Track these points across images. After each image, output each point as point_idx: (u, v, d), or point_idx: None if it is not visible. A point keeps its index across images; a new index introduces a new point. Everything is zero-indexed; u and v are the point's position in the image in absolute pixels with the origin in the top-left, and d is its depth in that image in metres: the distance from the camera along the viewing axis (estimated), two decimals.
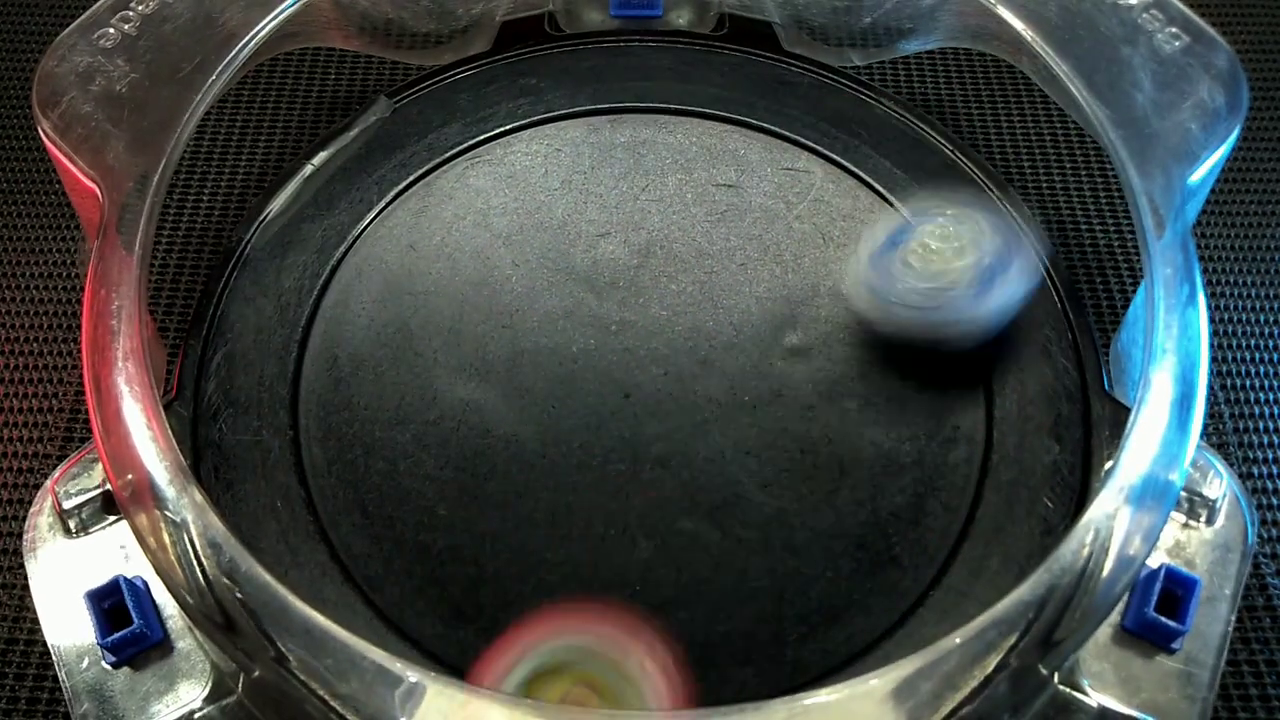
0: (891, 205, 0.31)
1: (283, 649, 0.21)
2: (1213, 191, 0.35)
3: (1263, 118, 0.37)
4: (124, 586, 0.24)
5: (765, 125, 0.33)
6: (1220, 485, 0.25)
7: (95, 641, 0.23)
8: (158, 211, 0.27)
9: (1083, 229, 0.34)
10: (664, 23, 0.35)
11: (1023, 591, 0.22)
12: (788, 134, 0.32)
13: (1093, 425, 0.27)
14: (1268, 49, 0.39)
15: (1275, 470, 0.30)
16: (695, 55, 0.34)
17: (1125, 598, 0.24)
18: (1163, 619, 0.23)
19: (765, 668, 0.25)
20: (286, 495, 0.27)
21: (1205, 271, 0.34)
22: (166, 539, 0.22)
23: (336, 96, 0.37)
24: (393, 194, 0.31)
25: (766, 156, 0.32)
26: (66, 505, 0.25)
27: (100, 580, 0.24)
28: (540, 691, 0.23)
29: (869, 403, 0.28)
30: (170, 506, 0.22)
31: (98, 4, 0.30)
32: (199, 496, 0.23)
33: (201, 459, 0.27)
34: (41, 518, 0.25)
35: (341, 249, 0.30)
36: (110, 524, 0.25)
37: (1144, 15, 0.30)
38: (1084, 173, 0.36)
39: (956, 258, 0.27)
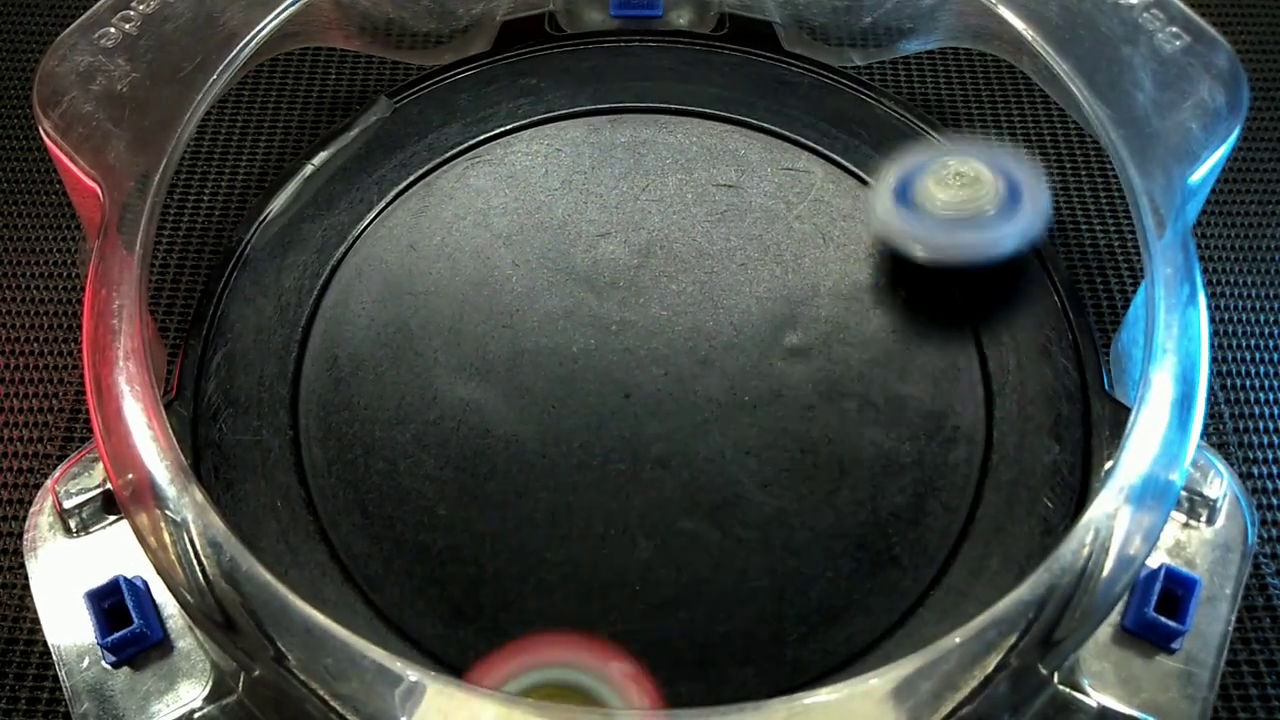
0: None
1: (283, 649, 0.21)
2: (1213, 191, 0.35)
3: (1263, 118, 0.37)
4: (124, 586, 0.24)
5: (765, 125, 0.33)
6: (1220, 485, 0.25)
7: (95, 641, 0.23)
8: (158, 211, 0.27)
9: (1083, 229, 0.34)
10: (664, 23, 0.35)
11: (1023, 591, 0.22)
12: (788, 134, 0.32)
13: (1093, 425, 0.27)
14: (1268, 49, 0.39)
15: (1275, 470, 0.30)
16: (695, 55, 0.34)
17: (1125, 598, 0.24)
18: (1163, 619, 0.23)
19: (765, 668, 0.24)
20: (286, 495, 0.27)
21: (1205, 271, 0.34)
22: (167, 539, 0.22)
23: (336, 96, 0.37)
24: (393, 194, 0.31)
25: (766, 156, 0.32)
26: (67, 505, 0.25)
27: (100, 580, 0.24)
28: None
29: (869, 403, 0.28)
30: (170, 506, 0.22)
31: (98, 3, 0.30)
32: (199, 496, 0.23)
33: (202, 459, 0.27)
34: (42, 517, 0.25)
35: (341, 249, 0.30)
36: (110, 524, 0.25)
37: (1144, 15, 0.30)
38: (1084, 173, 0.36)
39: (981, 181, 0.28)
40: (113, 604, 0.24)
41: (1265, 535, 0.29)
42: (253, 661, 0.22)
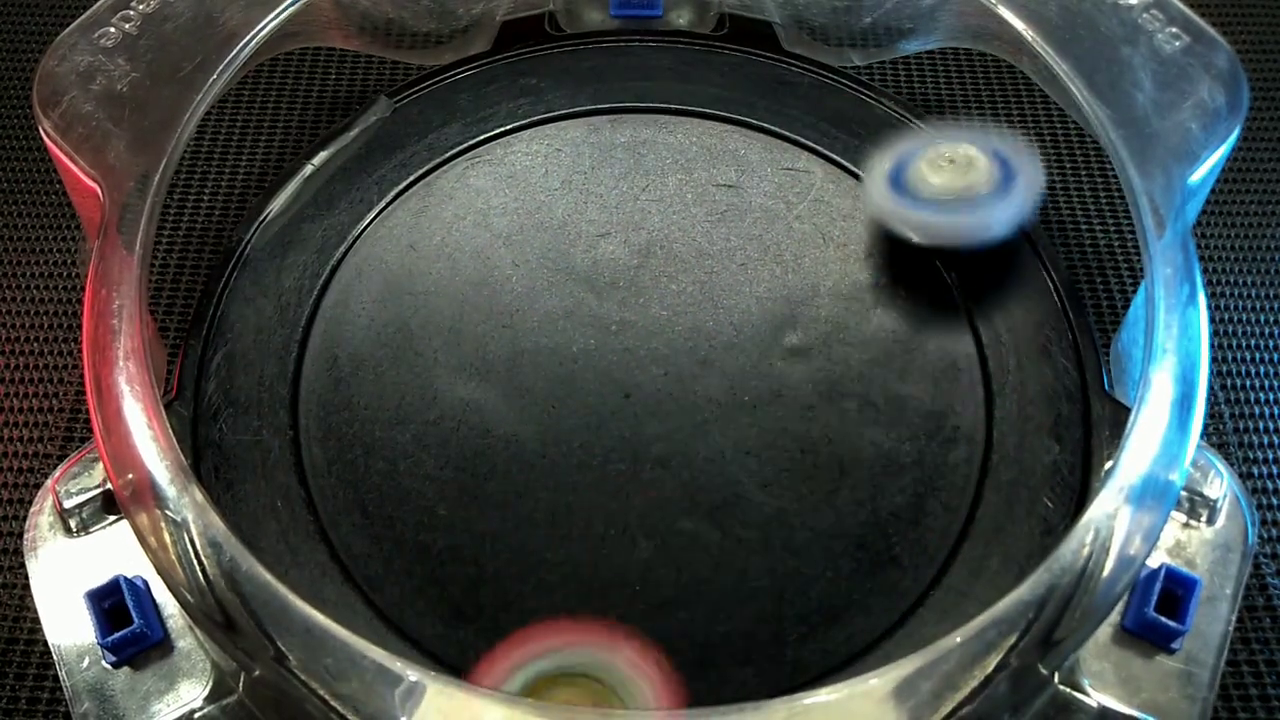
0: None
1: (283, 648, 0.21)
2: (1213, 191, 0.35)
3: (1263, 118, 0.37)
4: (124, 586, 0.24)
5: (765, 125, 0.33)
6: (1220, 485, 0.25)
7: (95, 641, 0.23)
8: (158, 211, 0.27)
9: (1083, 229, 0.34)
10: (664, 23, 0.35)
11: (1023, 591, 0.22)
12: (788, 134, 0.32)
13: (1093, 425, 0.27)
14: (1268, 49, 0.39)
15: (1275, 470, 0.30)
16: (695, 55, 0.34)
17: (1125, 598, 0.24)
18: (1163, 619, 0.23)
19: (765, 668, 0.24)
20: (286, 495, 0.27)
21: (1205, 271, 0.34)
22: (167, 539, 0.22)
23: (336, 96, 0.37)
24: (393, 194, 0.31)
25: (766, 156, 0.32)
26: (67, 505, 0.25)
27: (100, 580, 0.24)
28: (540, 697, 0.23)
29: (869, 403, 0.28)
30: (170, 506, 0.22)
31: (98, 3, 0.30)
32: (199, 496, 0.23)
33: (202, 459, 0.27)
34: (42, 517, 0.25)
35: (341, 249, 0.30)
36: (110, 524, 0.25)
37: (1144, 15, 0.30)
38: (1084, 173, 0.36)
39: (974, 163, 0.29)
40: (113, 604, 0.24)
41: (1265, 535, 0.29)
42: (253, 661, 0.22)
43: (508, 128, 0.33)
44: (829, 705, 0.20)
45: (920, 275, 0.30)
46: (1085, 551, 0.22)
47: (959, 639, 0.21)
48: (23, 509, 0.29)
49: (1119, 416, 0.27)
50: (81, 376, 0.29)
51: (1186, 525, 0.25)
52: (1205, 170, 0.27)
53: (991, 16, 0.31)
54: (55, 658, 0.24)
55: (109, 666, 0.24)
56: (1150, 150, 0.27)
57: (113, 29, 0.29)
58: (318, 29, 0.34)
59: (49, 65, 0.29)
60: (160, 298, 0.33)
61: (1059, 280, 0.30)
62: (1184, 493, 0.25)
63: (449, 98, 0.34)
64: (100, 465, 0.25)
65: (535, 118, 0.33)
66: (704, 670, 0.24)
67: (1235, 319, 0.33)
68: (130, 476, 0.23)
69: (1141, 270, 0.26)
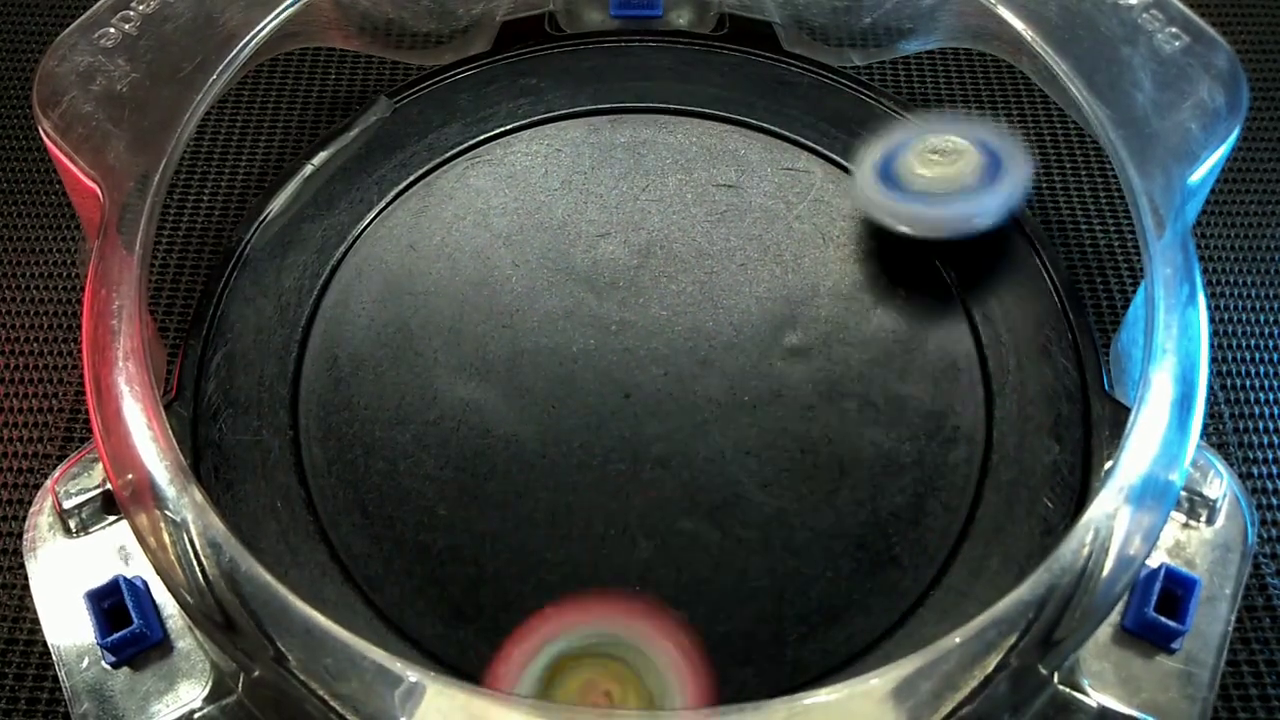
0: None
1: (283, 649, 0.21)
2: (1213, 191, 0.35)
3: (1263, 118, 0.37)
4: (124, 586, 0.24)
5: (765, 125, 0.33)
6: (1220, 485, 0.25)
7: (95, 641, 0.23)
8: (158, 211, 0.27)
9: (1083, 229, 0.34)
10: (664, 23, 0.35)
11: (1023, 591, 0.22)
12: (788, 134, 0.32)
13: (1093, 425, 0.27)
14: (1268, 49, 0.39)
15: (1275, 470, 0.30)
16: (695, 55, 0.34)
17: (1125, 598, 0.24)
18: (1163, 619, 0.23)
19: (765, 668, 0.24)
20: (286, 495, 0.27)
21: (1205, 271, 0.34)
22: (166, 539, 0.22)
23: (336, 96, 0.37)
24: (393, 194, 0.31)
25: (766, 156, 0.32)
26: (66, 505, 0.25)
27: (100, 580, 0.24)
28: (562, 677, 0.23)
29: (869, 403, 0.28)
30: (170, 506, 0.22)
31: (98, 4, 0.30)
32: (199, 496, 0.23)
33: (201, 459, 0.27)
34: (41, 517, 0.25)
35: (341, 249, 0.30)
36: (110, 524, 0.25)
37: (1144, 15, 0.30)
38: (1084, 173, 0.36)
39: (961, 154, 0.29)
40: (113, 604, 0.24)
41: (1265, 535, 0.29)
42: (253, 662, 0.22)
43: (508, 128, 0.33)
44: (829, 705, 0.20)
45: (920, 275, 0.30)
46: (1085, 551, 0.22)
47: (959, 639, 0.21)
48: (22, 509, 0.29)
49: (1119, 416, 0.27)
50: (81, 376, 0.29)
51: (1186, 525, 0.25)
52: (1205, 170, 0.27)
53: (991, 16, 0.31)
54: (55, 658, 0.24)
55: (108, 667, 0.24)
56: (1150, 150, 0.27)
57: (113, 29, 0.29)
58: (318, 29, 0.34)
59: (49, 65, 0.29)
60: (160, 298, 0.33)
61: (1059, 280, 0.30)
62: (1184, 493, 0.25)
63: (449, 98, 0.34)
64: (100, 465, 0.25)
65: (535, 118, 0.33)
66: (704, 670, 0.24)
67: (1235, 319, 0.33)
68: (130, 477, 0.23)
69: (1141, 270, 0.26)
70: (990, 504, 0.26)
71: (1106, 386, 0.28)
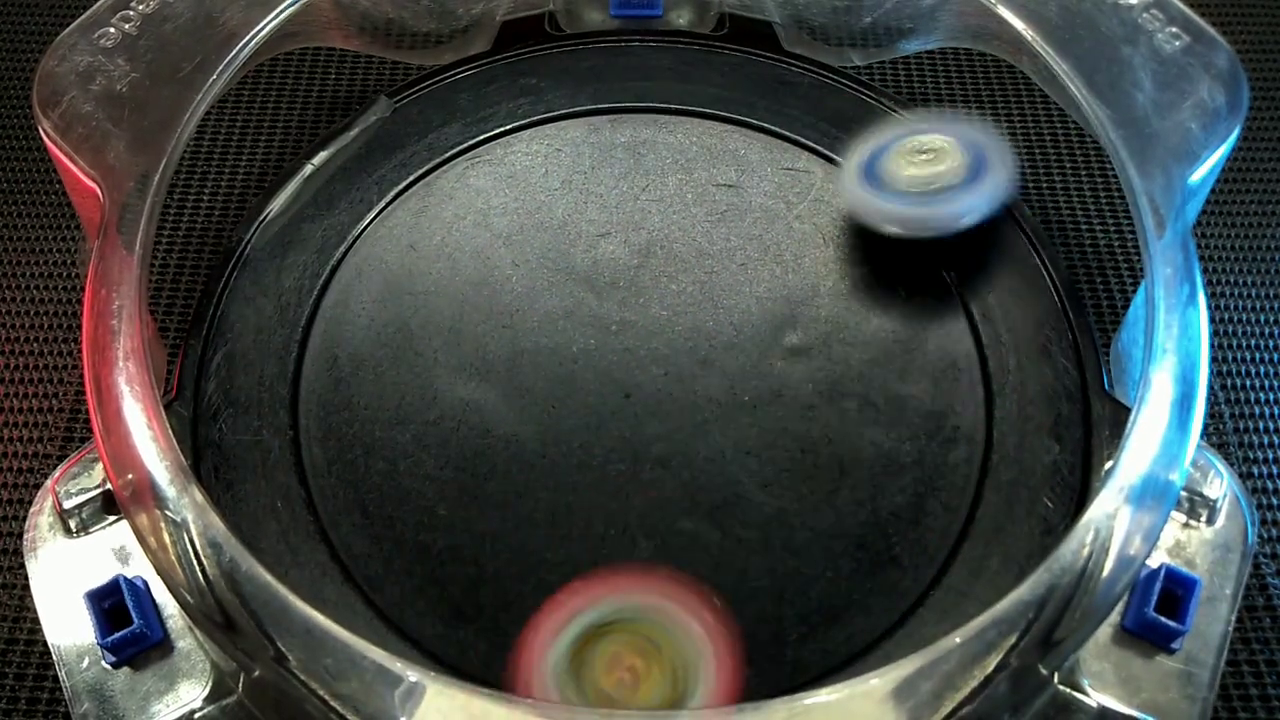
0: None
1: (283, 649, 0.21)
2: (1213, 191, 0.35)
3: (1263, 118, 0.37)
4: (124, 586, 0.24)
5: (765, 125, 0.33)
6: (1220, 485, 0.25)
7: (95, 641, 0.23)
8: (158, 211, 0.27)
9: (1083, 229, 0.34)
10: (664, 23, 0.35)
11: (1023, 591, 0.22)
12: (788, 134, 0.32)
13: (1093, 425, 0.27)
14: (1268, 49, 0.39)
15: (1275, 470, 0.30)
16: (695, 55, 0.34)
17: (1125, 598, 0.24)
18: (1163, 619, 0.23)
19: (765, 668, 0.24)
20: (286, 495, 0.27)
21: (1205, 271, 0.34)
22: (167, 539, 0.22)
23: (336, 96, 0.37)
24: (393, 194, 0.31)
25: (766, 156, 0.32)
26: (67, 505, 0.25)
27: (100, 580, 0.24)
28: (589, 650, 0.23)
29: (869, 403, 0.28)
30: (170, 506, 0.22)
31: (98, 4, 0.30)
32: (199, 496, 0.23)
33: (201, 459, 0.27)
34: (42, 517, 0.25)
35: (341, 249, 0.30)
36: (110, 524, 0.25)
37: (1144, 15, 0.30)
38: (1084, 173, 0.36)
39: (946, 153, 0.29)
40: (113, 604, 0.24)
41: (1265, 535, 0.29)
42: (253, 662, 0.22)
43: (508, 128, 0.33)
44: (829, 705, 0.20)
45: (920, 275, 0.30)
46: (1085, 551, 0.22)
47: (959, 639, 0.21)
48: (23, 509, 0.29)
49: (1119, 416, 0.27)
50: (81, 376, 0.29)
51: (1186, 525, 0.25)
52: (1205, 170, 0.27)
53: (991, 16, 0.31)
54: (55, 658, 0.24)
55: (109, 667, 0.24)
56: (1150, 150, 0.27)
57: (112, 29, 0.29)
58: (318, 29, 0.34)
59: (49, 65, 0.29)
60: (160, 298, 0.33)
61: (1059, 280, 0.30)
62: (1184, 493, 0.25)
63: (449, 98, 0.34)
64: (100, 465, 0.25)
65: (535, 118, 0.33)
66: None
67: (1235, 319, 0.33)
68: (130, 477, 0.23)
69: (1141, 270, 0.26)
70: (990, 504, 0.26)
71: (1106, 386, 0.28)
